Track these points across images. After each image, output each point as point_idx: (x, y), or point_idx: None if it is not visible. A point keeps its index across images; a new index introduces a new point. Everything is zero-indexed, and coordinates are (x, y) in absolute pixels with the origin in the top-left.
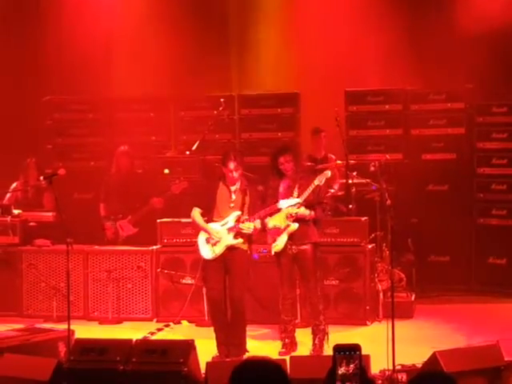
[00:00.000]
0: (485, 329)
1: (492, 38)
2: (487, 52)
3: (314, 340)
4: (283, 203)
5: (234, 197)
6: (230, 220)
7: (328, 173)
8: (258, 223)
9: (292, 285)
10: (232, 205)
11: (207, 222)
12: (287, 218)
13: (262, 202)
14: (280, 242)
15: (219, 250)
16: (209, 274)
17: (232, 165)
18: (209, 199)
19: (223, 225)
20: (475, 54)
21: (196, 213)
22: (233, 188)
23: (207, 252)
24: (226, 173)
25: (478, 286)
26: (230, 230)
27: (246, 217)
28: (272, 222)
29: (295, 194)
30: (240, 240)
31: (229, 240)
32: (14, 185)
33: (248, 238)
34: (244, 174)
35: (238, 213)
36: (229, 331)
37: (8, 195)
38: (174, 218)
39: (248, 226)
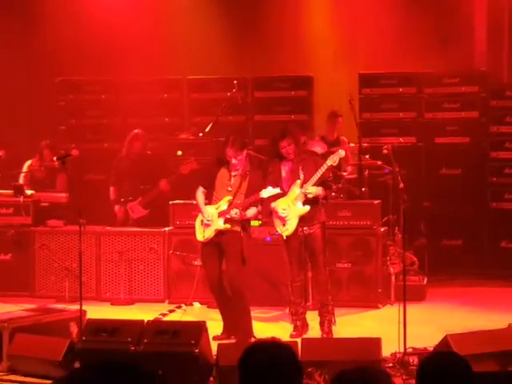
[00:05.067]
0: (497, 312)
1: (507, 22)
2: (502, 36)
3: (323, 322)
4: (264, 192)
5: (232, 180)
6: (223, 204)
7: (342, 152)
8: (251, 210)
9: (301, 267)
10: (229, 188)
11: (207, 203)
12: (296, 199)
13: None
14: (290, 226)
15: (208, 233)
16: (204, 258)
17: (230, 152)
18: (209, 179)
19: (217, 208)
20: (489, 37)
21: (199, 192)
22: (234, 172)
23: (199, 234)
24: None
25: (491, 270)
26: (220, 214)
27: (239, 201)
28: (280, 206)
29: (301, 176)
30: (228, 226)
31: (218, 224)
32: (28, 162)
33: (241, 224)
34: (254, 156)
35: (230, 197)
36: (232, 314)
37: (22, 174)
38: (184, 199)
39: (235, 212)
